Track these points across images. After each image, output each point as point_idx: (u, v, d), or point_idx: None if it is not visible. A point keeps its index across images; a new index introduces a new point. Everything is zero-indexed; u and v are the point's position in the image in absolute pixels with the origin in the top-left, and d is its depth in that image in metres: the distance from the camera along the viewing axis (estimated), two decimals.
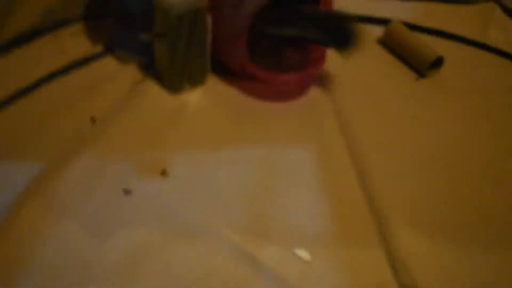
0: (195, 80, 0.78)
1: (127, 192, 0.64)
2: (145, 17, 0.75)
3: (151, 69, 0.80)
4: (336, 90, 0.82)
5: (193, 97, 0.78)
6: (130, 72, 0.81)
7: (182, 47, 0.73)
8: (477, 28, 1.01)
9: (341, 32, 0.72)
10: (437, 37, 0.97)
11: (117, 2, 0.76)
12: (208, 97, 0.78)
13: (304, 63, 0.79)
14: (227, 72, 0.81)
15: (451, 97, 0.84)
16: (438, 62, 0.86)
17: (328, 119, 0.77)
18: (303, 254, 0.59)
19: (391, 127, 0.78)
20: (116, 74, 0.80)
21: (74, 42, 0.84)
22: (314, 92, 0.81)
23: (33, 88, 0.76)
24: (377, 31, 0.95)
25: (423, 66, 0.86)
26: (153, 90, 0.78)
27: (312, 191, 0.66)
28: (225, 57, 0.78)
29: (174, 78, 0.77)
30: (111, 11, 0.78)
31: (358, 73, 0.86)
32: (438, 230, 0.64)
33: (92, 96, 0.76)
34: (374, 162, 0.70)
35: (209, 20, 0.73)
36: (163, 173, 0.66)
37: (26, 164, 0.66)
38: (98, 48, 0.84)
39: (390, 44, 0.91)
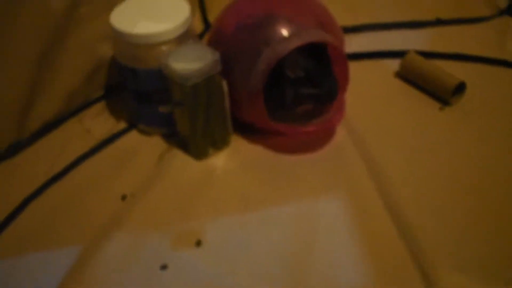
0: (219, 144, 0.79)
1: (163, 267, 0.64)
2: (161, 92, 0.76)
3: (174, 138, 0.81)
4: (360, 131, 0.81)
5: (219, 160, 0.78)
6: (154, 144, 0.82)
7: (201, 114, 0.74)
8: (494, 45, 0.99)
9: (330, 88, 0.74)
10: (455, 61, 0.95)
11: (132, 83, 0.78)
12: (233, 159, 0.79)
13: (326, 110, 0.78)
14: (249, 129, 0.81)
15: (479, 121, 0.82)
16: (460, 88, 0.85)
17: (356, 163, 0.76)
18: None
19: (421, 161, 0.76)
20: (141, 148, 0.81)
21: (98, 121, 0.86)
22: (339, 137, 0.80)
23: (62, 175, 0.77)
24: (393, 64, 0.94)
25: (446, 95, 0.84)
26: (179, 159, 0.79)
27: (350, 243, 0.65)
28: (246, 116, 0.79)
29: (198, 145, 0.77)
30: (127, 90, 0.80)
31: (380, 110, 0.85)
32: (488, 270, 0.61)
33: (120, 173, 0.77)
34: (408, 202, 0.69)
35: (224, 85, 0.74)
36: (198, 243, 0.66)
37: (62, 251, 0.67)
38: (121, 125, 0.85)
39: (408, 76, 0.90)
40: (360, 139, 0.80)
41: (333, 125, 0.78)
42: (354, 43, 0.98)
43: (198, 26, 1.00)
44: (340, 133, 0.81)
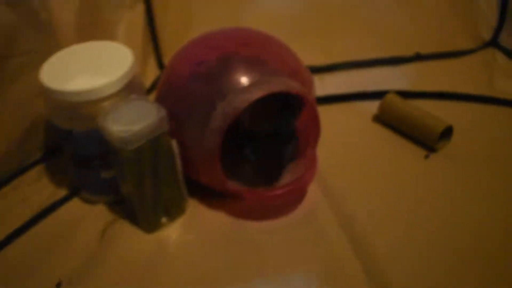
0: (173, 212, 0.68)
1: None
2: (102, 156, 0.65)
3: (122, 206, 0.69)
4: (336, 188, 0.70)
5: (174, 232, 0.67)
6: (98, 214, 0.70)
7: (149, 180, 0.63)
8: (480, 81, 0.90)
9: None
10: (439, 100, 0.86)
11: (68, 147, 0.67)
12: (190, 229, 0.67)
13: (295, 167, 0.68)
14: (208, 193, 0.70)
15: (469, 166, 0.72)
16: (447, 132, 0.75)
17: (333, 227, 0.65)
18: None
19: (408, 218, 0.66)
20: (83, 220, 0.70)
21: (35, 188, 0.75)
22: (311, 198, 0.70)
23: None
24: (371, 107, 0.84)
25: (431, 141, 0.74)
26: (127, 233, 0.67)
27: None
28: (202, 178, 0.68)
29: (148, 216, 0.66)
30: (66, 154, 0.68)
31: (359, 161, 0.75)
32: None
33: (57, 252, 0.66)
34: (395, 271, 0.58)
35: (174, 145, 0.63)
36: None
37: None
38: (62, 192, 0.74)
39: (388, 120, 0.80)
40: (337, 199, 0.69)
41: (304, 185, 0.67)
42: (328, 84, 0.89)
43: (153, 72, 0.90)
44: (313, 193, 0.70)
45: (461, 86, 0.88)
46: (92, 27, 0.80)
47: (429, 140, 0.75)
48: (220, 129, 0.60)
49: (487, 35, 0.98)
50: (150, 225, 0.67)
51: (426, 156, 0.74)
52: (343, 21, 0.97)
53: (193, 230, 0.67)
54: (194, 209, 0.69)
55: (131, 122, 0.59)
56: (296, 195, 0.68)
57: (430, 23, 0.98)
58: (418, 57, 0.94)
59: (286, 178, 0.68)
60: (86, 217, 0.70)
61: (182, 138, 0.63)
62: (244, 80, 0.61)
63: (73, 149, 0.67)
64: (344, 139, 0.78)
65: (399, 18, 0.98)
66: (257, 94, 0.60)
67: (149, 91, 0.87)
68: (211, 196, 0.70)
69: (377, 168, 0.74)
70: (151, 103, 0.62)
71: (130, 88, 0.65)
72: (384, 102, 0.80)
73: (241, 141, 0.62)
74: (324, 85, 0.90)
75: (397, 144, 0.77)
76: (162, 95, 0.67)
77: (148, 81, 0.89)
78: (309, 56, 0.73)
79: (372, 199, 0.69)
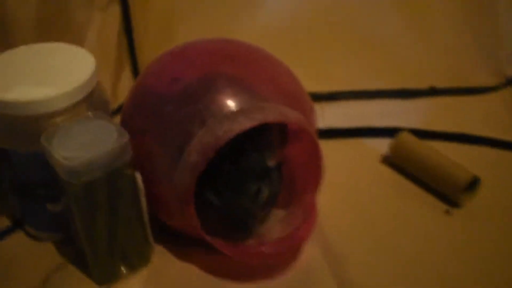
0: (134, 261, 0.54)
1: None
2: (48, 184, 0.52)
3: (71, 248, 0.56)
4: (338, 246, 0.57)
5: (133, 286, 0.53)
6: (42, 255, 0.56)
7: (103, 220, 0.49)
8: (502, 122, 0.78)
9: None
10: (457, 143, 0.74)
11: (6, 171, 0.53)
12: (155, 285, 0.53)
13: (289, 218, 0.55)
14: (180, 239, 0.56)
15: (497, 226, 0.59)
16: (471, 184, 0.62)
17: None
18: None
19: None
20: (25, 260, 0.56)
21: None
22: (307, 256, 0.56)
23: None
24: (379, 145, 0.72)
25: (455, 193, 0.62)
26: (75, 283, 0.53)
27: None
28: (173, 222, 0.54)
29: (101, 263, 0.52)
30: (4, 179, 0.55)
31: (365, 211, 0.62)
32: None
33: None
34: None
35: (139, 178, 0.49)
36: None
37: None
38: (3, 224, 0.60)
39: (401, 163, 0.68)
40: (339, 259, 0.56)
41: (299, 241, 0.53)
42: (328, 116, 0.76)
43: (126, 87, 0.76)
44: (310, 250, 0.56)
45: (481, 127, 0.76)
46: (56, 27, 0.67)
47: (451, 192, 0.62)
48: (196, 164, 0.47)
49: (510, 71, 0.86)
50: (104, 276, 0.53)
51: (447, 212, 0.61)
52: (347, 42, 0.85)
53: (159, 286, 0.53)
54: (162, 259, 0.56)
55: (82, 147, 0.46)
56: (289, 253, 0.54)
57: (447, 53, 0.87)
58: (432, 92, 0.82)
59: (276, 230, 0.54)
60: (28, 257, 0.56)
61: (149, 170, 0.50)
62: (230, 103, 0.48)
63: (11, 174, 0.53)
64: (347, 183, 0.65)
65: (411, 45, 0.86)
66: (247, 123, 0.46)
67: (119, 110, 0.74)
68: (184, 244, 0.56)
69: (387, 223, 0.61)
70: (114, 124, 0.49)
71: (89, 103, 0.52)
72: (397, 142, 0.68)
73: (201, 180, 0.49)
74: (324, 116, 0.77)
75: (412, 193, 0.65)
76: (127, 116, 0.53)
77: (120, 98, 0.75)
78: (306, 81, 0.60)
79: (380, 261, 0.56)
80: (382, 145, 0.71)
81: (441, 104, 0.81)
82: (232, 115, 0.47)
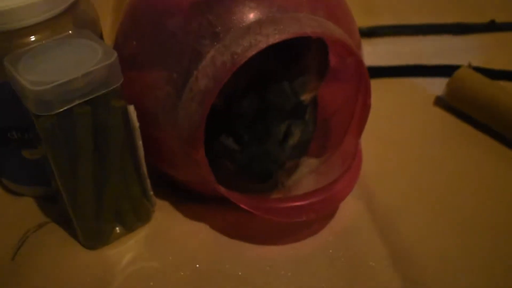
0: (130, 220, 0.43)
1: None
2: (22, 126, 0.41)
3: (54, 205, 0.45)
4: (385, 201, 0.46)
5: (128, 251, 0.43)
6: (21, 212, 0.46)
7: (87, 167, 0.38)
8: None
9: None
10: None
11: None
12: (154, 249, 0.43)
13: (324, 169, 0.43)
14: (188, 194, 0.45)
15: None
16: None
17: (380, 262, 0.41)
18: None
19: (489, 256, 0.41)
20: (2, 217, 0.46)
21: None
22: (349, 214, 0.45)
23: None
24: (432, 86, 0.60)
25: None
26: (56, 245, 0.43)
27: None
28: (178, 173, 0.43)
29: (88, 223, 0.42)
30: None
31: (416, 163, 0.50)
32: None
33: None
34: None
35: (132, 113, 0.38)
36: None
37: None
38: None
39: (460, 106, 0.56)
40: (388, 219, 0.44)
41: (338, 196, 0.42)
42: (371, 54, 0.64)
43: None
44: (352, 206, 0.45)
45: None
46: None
47: None
48: (208, 91, 0.35)
49: None
50: (91, 237, 0.43)
51: None
52: None
53: (159, 251, 0.43)
54: (165, 217, 0.45)
55: (56, 71, 0.35)
56: (325, 210, 0.43)
57: None
58: (493, 26, 0.70)
59: (309, 182, 0.43)
60: (4, 214, 0.46)
61: (146, 104, 0.39)
62: (251, 13, 0.36)
63: None
64: (395, 129, 0.54)
65: None
66: (275, 36, 0.35)
67: None
68: (193, 199, 0.45)
69: (444, 174, 0.49)
70: (100, 44, 0.38)
71: (71, 19, 0.41)
72: (455, 79, 0.56)
73: (214, 126, 0.38)
74: (367, 54, 0.65)
75: (473, 140, 0.53)
76: (122, 38, 0.42)
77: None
78: None
79: (436, 220, 0.44)
80: (436, 85, 0.59)
81: (502, 40, 0.68)
82: (255, 25, 0.35)
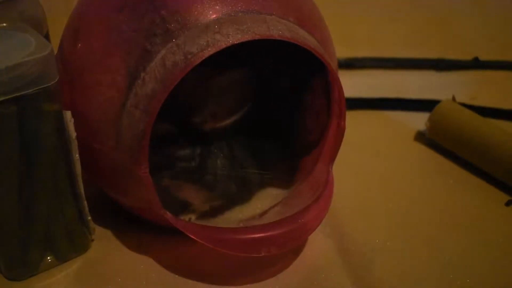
0: (63, 248, 0.37)
1: None
2: None
3: None
4: (357, 237, 0.41)
5: (58, 285, 0.36)
6: None
7: (11, 182, 0.32)
8: None
9: None
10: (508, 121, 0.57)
11: None
12: (91, 281, 0.37)
13: (291, 198, 0.38)
14: (133, 220, 0.40)
15: None
16: None
17: None
18: None
19: None
20: None
21: None
22: (316, 249, 0.39)
23: None
24: (413, 120, 0.56)
25: None
26: None
27: None
28: (121, 195, 0.37)
29: (11, 249, 0.35)
30: None
31: (394, 199, 0.46)
32: None
33: None
34: None
35: (69, 119, 0.33)
36: None
37: None
38: None
39: (440, 141, 0.51)
40: (358, 255, 0.39)
41: (304, 230, 0.36)
42: (349, 86, 0.59)
43: None
44: (321, 244, 0.40)
45: None
46: None
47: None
48: (155, 95, 0.30)
49: None
50: (15, 267, 0.36)
51: (509, 203, 0.45)
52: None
53: (97, 284, 0.36)
54: (105, 246, 0.39)
55: None
56: (289, 245, 0.37)
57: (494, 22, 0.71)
58: (476, 64, 0.66)
59: (273, 213, 0.38)
60: None
61: (86, 111, 0.33)
62: (210, 12, 0.32)
63: None
64: (374, 164, 0.50)
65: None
66: (238, 36, 0.30)
67: None
68: (137, 227, 0.39)
69: (422, 212, 0.44)
70: (36, 36, 0.32)
71: (8, 12, 0.36)
72: (438, 112, 0.51)
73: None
74: (345, 85, 0.62)
75: (455, 176, 0.48)
76: (67, 37, 0.37)
77: None
78: None
79: (413, 260, 0.39)
80: (418, 120, 0.55)
81: (486, 78, 0.65)
82: (214, 24, 0.31)
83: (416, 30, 0.74)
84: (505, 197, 0.45)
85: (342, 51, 0.65)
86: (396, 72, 0.65)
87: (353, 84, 0.62)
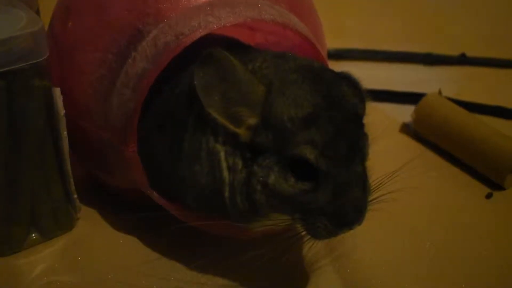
0: (48, 225, 0.37)
1: None
2: None
3: None
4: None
5: (43, 260, 0.37)
6: None
7: (1, 154, 0.33)
8: None
9: None
10: (494, 118, 0.58)
11: None
12: (71, 262, 0.37)
13: None
14: (117, 200, 0.40)
15: None
16: None
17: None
18: None
19: None
20: None
21: None
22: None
23: None
24: (399, 112, 0.56)
25: (499, 173, 0.46)
26: None
27: None
28: (108, 175, 0.37)
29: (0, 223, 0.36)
30: None
31: (378, 192, 0.45)
32: None
33: None
34: None
35: (58, 96, 0.33)
36: None
37: None
38: None
39: (427, 133, 0.52)
40: (345, 255, 0.39)
41: None
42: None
43: None
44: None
45: None
46: None
47: (496, 172, 0.46)
48: (145, 74, 0.30)
49: None
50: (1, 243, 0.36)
51: (489, 196, 0.45)
52: None
53: (77, 265, 0.37)
54: (90, 225, 0.39)
55: None
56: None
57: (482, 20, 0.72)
58: (463, 59, 0.67)
59: None
60: None
61: (75, 89, 0.34)
62: None
63: None
64: None
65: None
66: (230, 19, 0.30)
67: None
68: (122, 208, 0.40)
69: (407, 206, 0.44)
70: (26, 12, 0.32)
71: None
72: (424, 104, 0.52)
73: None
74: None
75: (441, 171, 0.49)
76: (58, 15, 0.37)
77: None
78: None
79: (398, 258, 0.40)
80: (404, 112, 0.55)
81: (474, 74, 0.66)
82: (206, 6, 0.31)
83: (406, 25, 0.75)
84: (486, 190, 0.46)
85: (332, 42, 0.66)
86: (384, 65, 0.66)
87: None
